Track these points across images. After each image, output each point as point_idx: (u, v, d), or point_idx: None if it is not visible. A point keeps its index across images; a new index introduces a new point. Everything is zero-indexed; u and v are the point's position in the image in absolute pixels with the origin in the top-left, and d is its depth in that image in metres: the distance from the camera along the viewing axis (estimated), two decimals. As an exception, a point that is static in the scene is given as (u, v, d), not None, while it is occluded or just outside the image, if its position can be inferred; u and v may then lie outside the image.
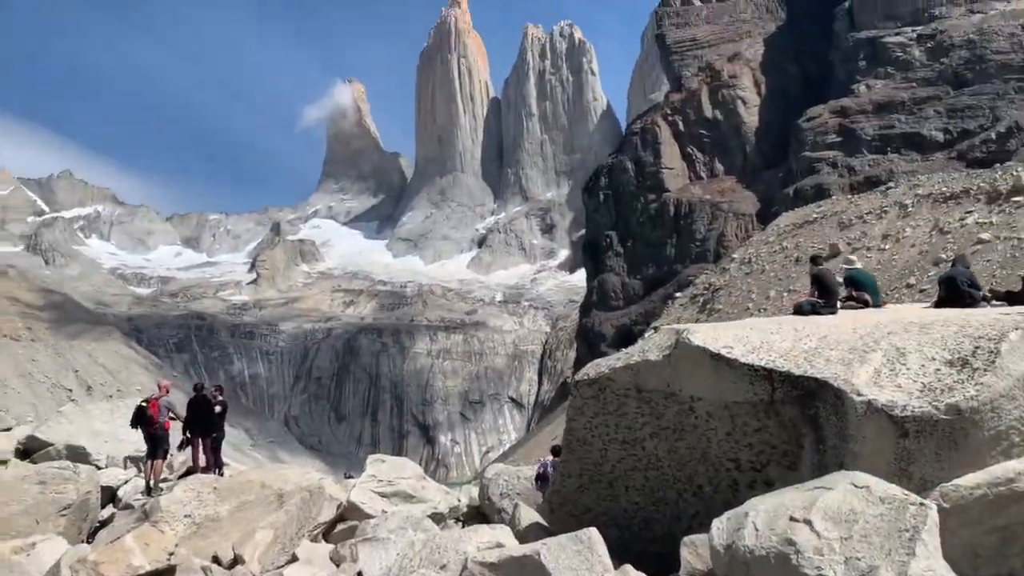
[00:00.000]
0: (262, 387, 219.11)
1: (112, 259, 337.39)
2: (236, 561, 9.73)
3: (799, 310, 10.33)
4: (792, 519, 5.69)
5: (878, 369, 7.16)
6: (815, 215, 73.94)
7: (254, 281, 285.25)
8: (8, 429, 15.53)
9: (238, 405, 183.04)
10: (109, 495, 12.91)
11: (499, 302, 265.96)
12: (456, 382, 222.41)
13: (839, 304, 10.44)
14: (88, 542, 10.63)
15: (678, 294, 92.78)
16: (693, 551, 7.02)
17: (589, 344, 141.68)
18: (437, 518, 11.91)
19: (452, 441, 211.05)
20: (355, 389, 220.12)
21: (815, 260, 11.34)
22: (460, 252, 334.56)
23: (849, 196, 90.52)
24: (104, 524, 11.49)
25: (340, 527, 10.85)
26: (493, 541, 8.31)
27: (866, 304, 10.61)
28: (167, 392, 13.79)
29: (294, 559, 9.32)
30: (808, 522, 5.59)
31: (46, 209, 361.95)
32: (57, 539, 9.45)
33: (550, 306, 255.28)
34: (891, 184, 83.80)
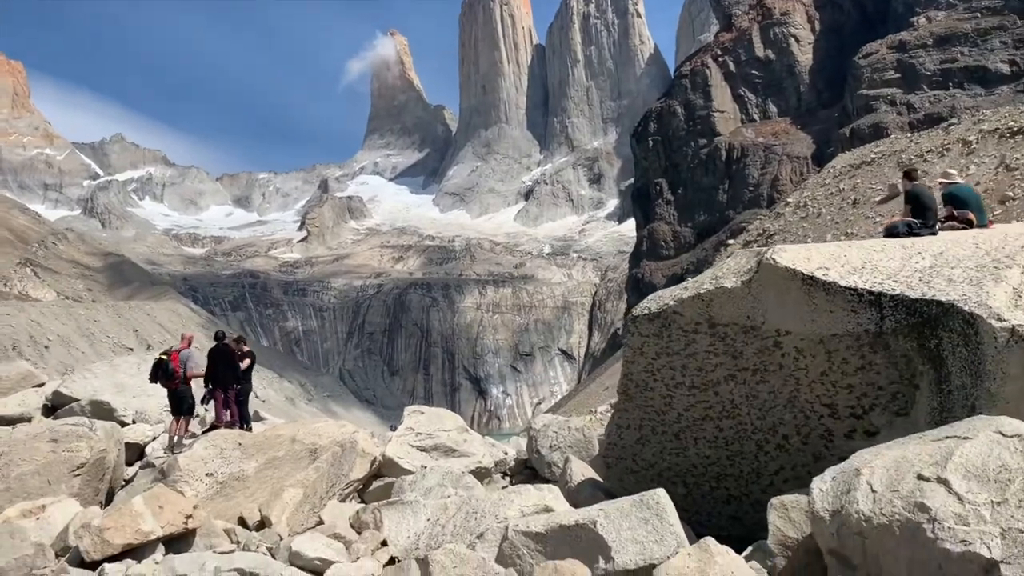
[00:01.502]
0: (316, 343, 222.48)
1: (165, 220, 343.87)
2: (263, 523, 8.87)
3: (892, 232, 8.84)
4: (921, 477, 4.47)
5: (1018, 288, 5.76)
6: (873, 155, 71.20)
7: (304, 239, 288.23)
8: (41, 385, 14.88)
9: (293, 361, 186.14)
10: (138, 453, 12.19)
11: (547, 254, 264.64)
12: (506, 335, 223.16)
13: (938, 225, 8.95)
14: (107, 504, 9.86)
15: (730, 241, 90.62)
16: (784, 515, 5.78)
17: (640, 294, 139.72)
18: (481, 473, 10.88)
19: (504, 393, 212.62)
20: (407, 344, 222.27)
21: (909, 175, 9.82)
22: (507, 205, 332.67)
23: (909, 135, 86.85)
24: (129, 483, 10.76)
25: (376, 484, 9.84)
26: (540, 504, 7.04)
27: (970, 224, 9.08)
28: (189, 344, 12.81)
29: (320, 522, 8.39)
30: (944, 481, 4.37)
31: (100, 172, 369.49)
32: (69, 501, 8.59)
33: (599, 257, 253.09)
34: (953, 121, 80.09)
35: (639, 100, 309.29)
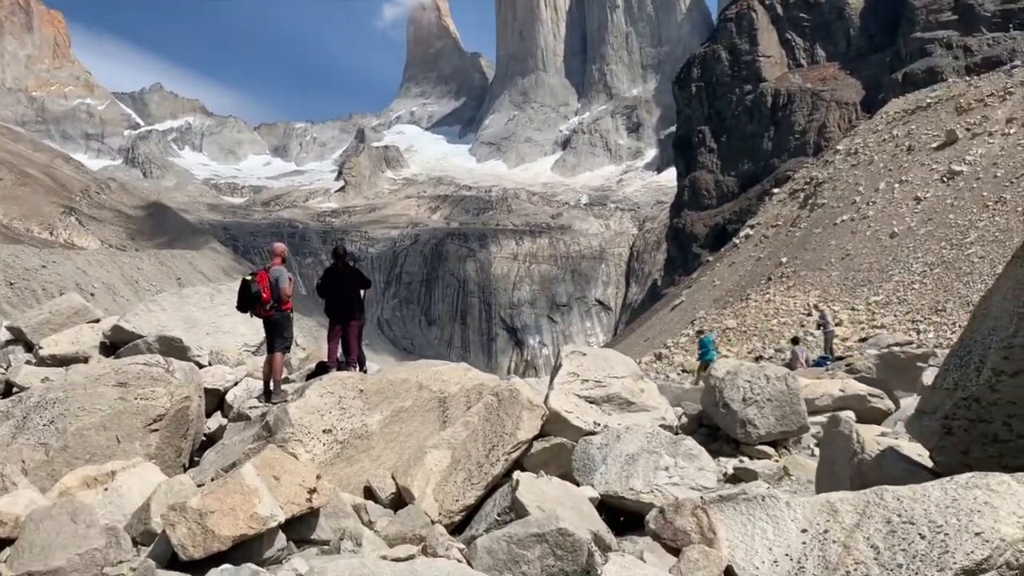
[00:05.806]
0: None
1: (205, 170, 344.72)
2: (400, 497, 6.59)
3: None
4: None
5: None
6: (929, 100, 67.96)
7: (341, 189, 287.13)
8: (96, 321, 12.71)
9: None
10: (216, 401, 9.83)
11: (584, 205, 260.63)
12: (542, 285, 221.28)
13: None
14: (190, 467, 7.57)
15: (776, 190, 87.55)
16: None
17: (680, 245, 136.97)
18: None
19: (540, 343, 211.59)
20: (444, 294, 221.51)
21: None
22: (544, 155, 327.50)
23: (967, 78, 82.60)
24: (210, 441, 8.44)
25: (539, 445, 7.32)
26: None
27: None
28: (282, 261, 10.00)
29: (515, 510, 5.85)
30: None
31: (140, 122, 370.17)
32: (146, 465, 6.24)
33: (637, 208, 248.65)
34: (1017, 63, 76.09)
35: (680, 47, 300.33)
